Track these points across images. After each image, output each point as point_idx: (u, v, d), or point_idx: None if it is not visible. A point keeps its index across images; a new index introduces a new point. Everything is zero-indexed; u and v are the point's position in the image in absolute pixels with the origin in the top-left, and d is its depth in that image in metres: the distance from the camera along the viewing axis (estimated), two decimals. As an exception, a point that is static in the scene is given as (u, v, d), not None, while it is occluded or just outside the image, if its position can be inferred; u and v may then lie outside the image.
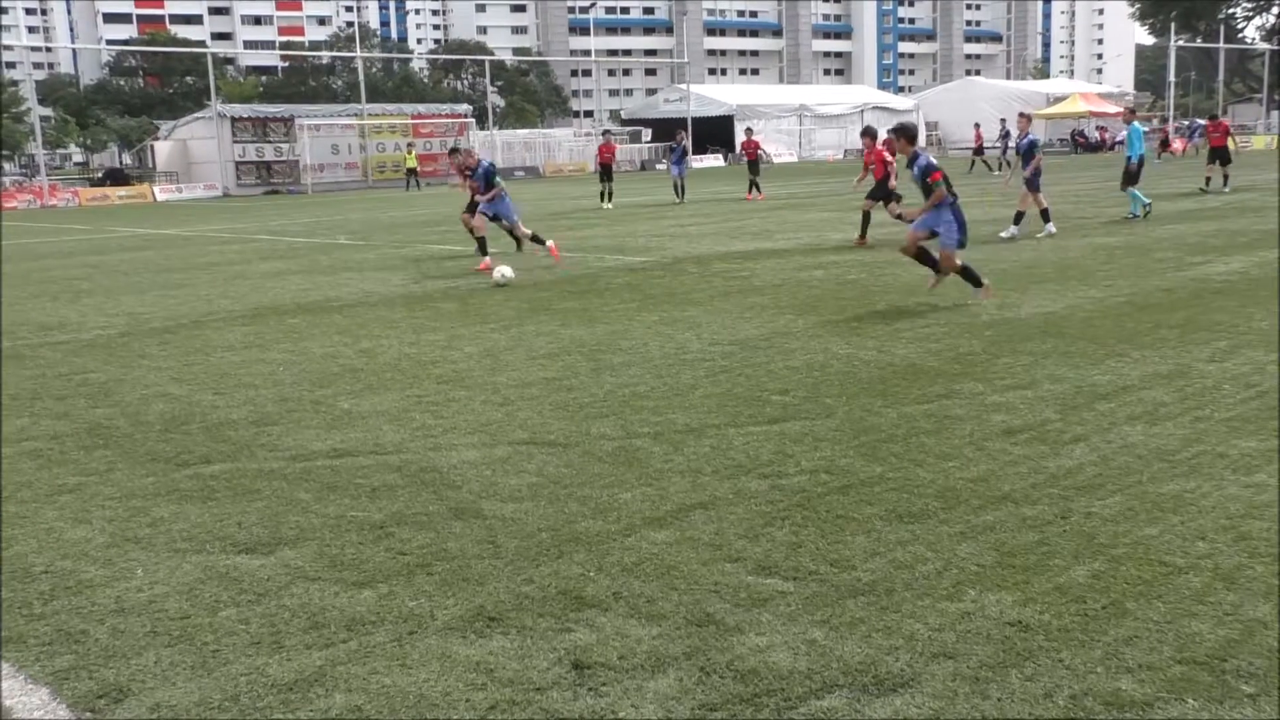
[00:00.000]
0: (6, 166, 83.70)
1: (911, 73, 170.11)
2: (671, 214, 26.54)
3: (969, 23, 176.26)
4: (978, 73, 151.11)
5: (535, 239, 16.57)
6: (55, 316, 12.74)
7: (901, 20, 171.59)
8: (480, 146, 62.11)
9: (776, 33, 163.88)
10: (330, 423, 7.08)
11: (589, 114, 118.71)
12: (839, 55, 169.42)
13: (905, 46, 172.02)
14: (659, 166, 68.29)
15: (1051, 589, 4.13)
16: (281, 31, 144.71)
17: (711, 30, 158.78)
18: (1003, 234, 17.12)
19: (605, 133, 37.50)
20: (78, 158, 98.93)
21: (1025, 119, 18.42)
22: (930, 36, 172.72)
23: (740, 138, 37.52)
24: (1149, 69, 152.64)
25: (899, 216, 15.78)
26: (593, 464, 5.92)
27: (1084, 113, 70.47)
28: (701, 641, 3.79)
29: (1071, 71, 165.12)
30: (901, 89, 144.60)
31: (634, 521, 5.01)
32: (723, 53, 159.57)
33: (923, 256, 11.15)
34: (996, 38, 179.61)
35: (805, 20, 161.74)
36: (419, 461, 6.10)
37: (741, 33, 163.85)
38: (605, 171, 31.88)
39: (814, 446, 6.10)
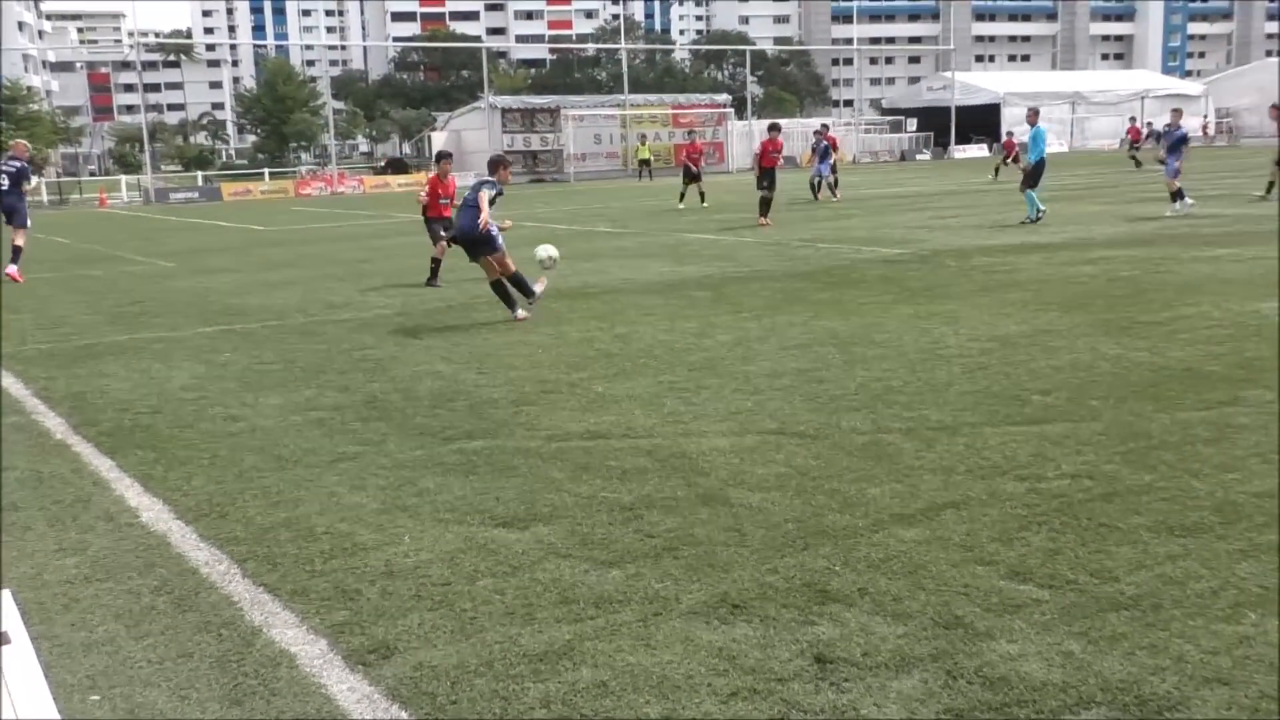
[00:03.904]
0: (303, 156, 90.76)
1: (1201, 55, 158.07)
2: (931, 205, 25.85)
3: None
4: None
5: (15, 258, 15.77)
6: (341, 296, 13.70)
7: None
8: (740, 136, 62.58)
9: (1051, 16, 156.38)
10: (585, 405, 7.30)
11: (849, 103, 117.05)
12: (1119, 39, 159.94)
13: (1195, 27, 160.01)
14: (919, 157, 66.81)
15: (1345, 618, 3.78)
16: (551, 25, 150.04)
17: (981, 16, 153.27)
18: None
19: (690, 133, 33.15)
20: (363, 148, 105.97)
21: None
22: (1226, 16, 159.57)
23: (1010, 127, 34.67)
24: None
25: None
26: (842, 457, 5.86)
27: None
28: (949, 644, 3.69)
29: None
30: (1189, 73, 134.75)
31: (882, 518, 4.92)
32: (991, 39, 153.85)
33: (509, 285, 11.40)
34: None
35: (1083, 2, 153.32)
36: (669, 447, 6.20)
37: (1013, 17, 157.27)
38: (687, 173, 28.21)
39: (1076, 450, 5.81)
